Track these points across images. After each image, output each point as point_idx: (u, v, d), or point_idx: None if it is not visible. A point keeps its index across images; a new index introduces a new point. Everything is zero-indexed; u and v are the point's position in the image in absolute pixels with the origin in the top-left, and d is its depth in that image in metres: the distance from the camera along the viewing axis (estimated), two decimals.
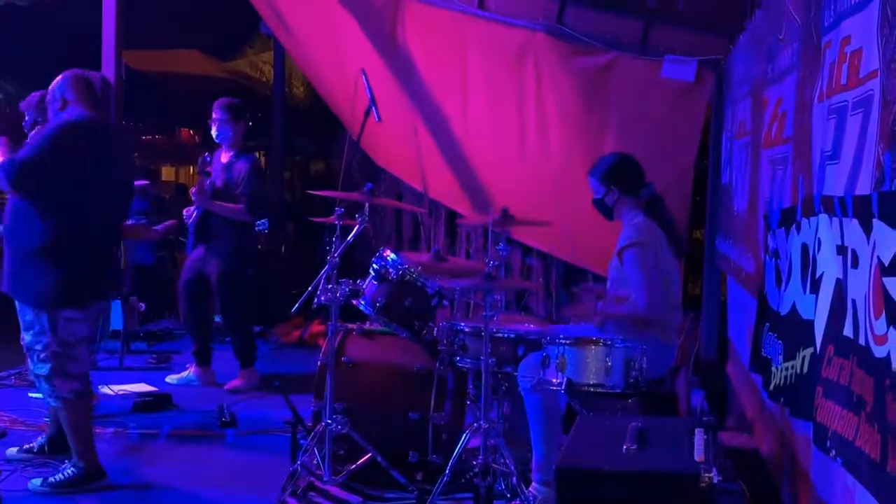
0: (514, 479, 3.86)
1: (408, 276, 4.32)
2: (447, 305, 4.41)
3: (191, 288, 6.22)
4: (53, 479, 4.17)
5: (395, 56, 6.60)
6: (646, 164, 4.30)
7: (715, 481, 2.63)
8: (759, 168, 4.26)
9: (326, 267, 4.26)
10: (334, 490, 4.14)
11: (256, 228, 7.80)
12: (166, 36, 13.38)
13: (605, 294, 4.25)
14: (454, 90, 6.56)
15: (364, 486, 4.18)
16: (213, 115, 6.19)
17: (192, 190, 6.09)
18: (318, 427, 4.19)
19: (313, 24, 6.92)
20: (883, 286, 2.02)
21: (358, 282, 4.38)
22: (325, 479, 4.12)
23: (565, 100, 6.23)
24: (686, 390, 4.72)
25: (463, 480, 4.05)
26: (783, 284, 3.39)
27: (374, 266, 4.39)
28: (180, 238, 7.45)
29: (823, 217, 2.71)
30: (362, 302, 4.37)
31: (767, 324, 3.64)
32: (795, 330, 3.08)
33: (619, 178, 4.19)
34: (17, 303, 4.21)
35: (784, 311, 3.32)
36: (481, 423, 3.87)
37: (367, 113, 5.66)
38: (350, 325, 4.61)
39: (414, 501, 4.06)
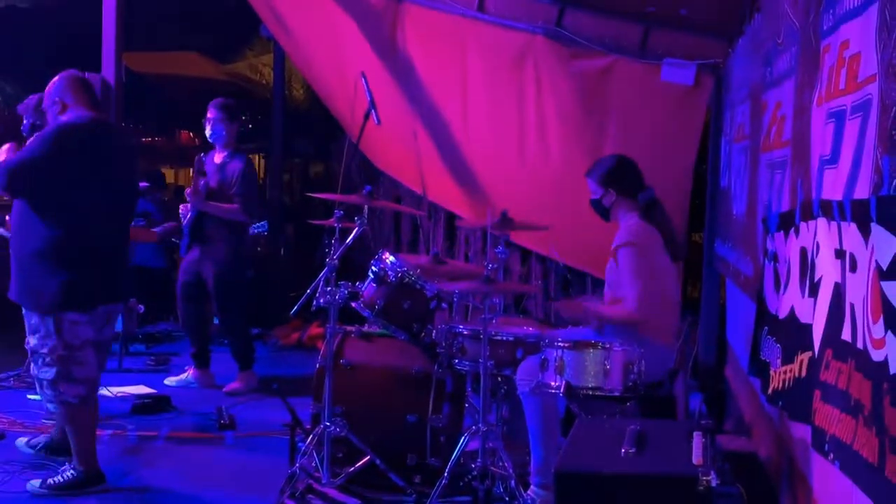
0: (513, 482, 3.86)
1: (406, 279, 4.32)
2: (446, 308, 4.41)
3: (188, 290, 6.22)
4: (52, 482, 4.17)
5: (394, 59, 6.60)
6: (645, 168, 4.31)
7: (713, 484, 2.63)
8: (757, 172, 4.26)
9: (325, 269, 4.27)
10: (333, 492, 4.14)
11: (255, 230, 7.82)
12: (166, 38, 13.39)
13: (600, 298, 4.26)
14: (454, 93, 6.56)
15: (362, 488, 4.18)
16: (208, 115, 6.19)
17: (187, 191, 6.09)
18: (316, 429, 4.19)
19: (313, 26, 6.92)
20: (881, 290, 2.03)
21: (357, 284, 4.38)
22: (323, 481, 4.12)
23: (565, 103, 6.24)
24: (684, 393, 4.72)
25: (461, 483, 4.05)
26: (782, 288, 3.40)
27: (373, 268, 4.39)
28: (173, 240, 7.44)
29: (822, 221, 2.72)
30: (361, 304, 4.37)
31: (766, 327, 3.64)
32: (794, 333, 3.08)
33: (617, 179, 4.20)
34: (23, 306, 4.21)
35: (782, 314, 3.32)
36: (480, 425, 3.88)
37: (367, 116, 5.67)
38: (349, 328, 4.61)
39: None
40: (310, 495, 4.11)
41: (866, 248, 2.20)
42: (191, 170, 6.23)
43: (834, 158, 2.61)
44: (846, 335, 2.38)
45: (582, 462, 2.87)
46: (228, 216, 6.06)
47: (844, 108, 2.51)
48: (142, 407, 5.56)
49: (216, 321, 6.65)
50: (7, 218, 5.89)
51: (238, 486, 4.38)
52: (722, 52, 5.88)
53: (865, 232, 2.21)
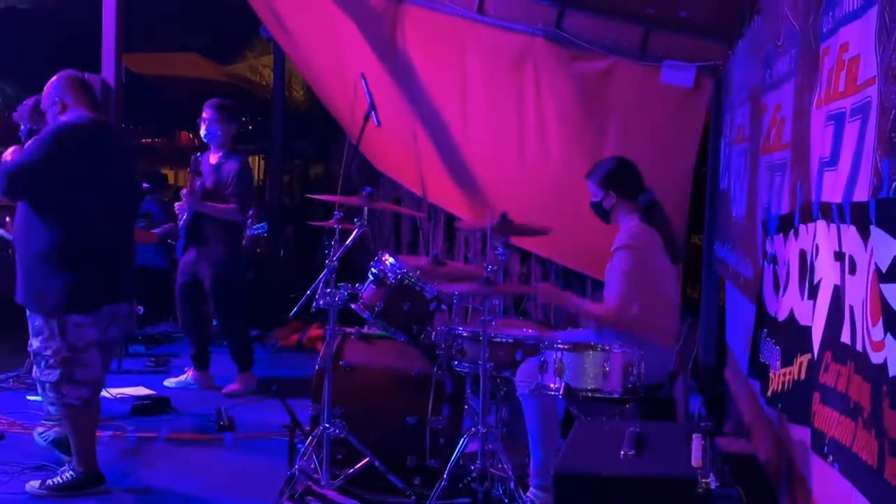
0: (512, 483, 3.86)
1: (406, 281, 4.32)
2: (445, 310, 4.41)
3: (186, 291, 6.22)
4: (51, 483, 4.17)
5: (394, 60, 6.61)
6: (645, 169, 4.31)
7: (712, 487, 2.64)
8: (757, 174, 4.26)
9: (325, 271, 4.26)
10: (332, 494, 4.13)
11: (255, 231, 7.81)
12: (166, 39, 13.39)
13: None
14: (453, 95, 6.57)
15: (362, 490, 4.17)
16: (203, 115, 6.18)
17: (183, 192, 6.07)
18: (315, 431, 4.19)
19: (313, 28, 6.93)
20: (880, 292, 2.03)
21: (356, 286, 4.38)
22: (322, 483, 4.12)
23: (564, 105, 6.24)
24: (684, 395, 4.72)
25: (461, 485, 4.05)
26: (781, 290, 3.40)
27: (373, 270, 4.39)
28: (169, 241, 7.45)
29: (821, 223, 2.72)
30: (360, 306, 4.37)
31: (765, 329, 3.65)
32: (793, 336, 3.09)
33: (618, 182, 4.20)
34: (27, 309, 4.21)
35: (782, 316, 3.33)
36: (479, 427, 3.88)
37: (367, 117, 5.67)
38: (348, 329, 4.61)
39: None
40: (309, 497, 4.10)
41: (865, 250, 2.21)
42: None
43: (833, 161, 2.61)
44: (845, 337, 2.38)
45: (581, 464, 2.87)
46: (225, 216, 6.05)
47: (844, 110, 2.51)
48: (141, 408, 5.56)
49: (215, 322, 6.65)
50: (7, 219, 5.91)
51: (237, 487, 4.38)
52: (722, 54, 5.88)
53: (865, 234, 2.21)
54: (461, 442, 4.00)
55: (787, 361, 3.15)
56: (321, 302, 4.23)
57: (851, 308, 2.34)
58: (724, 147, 5.91)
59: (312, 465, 4.19)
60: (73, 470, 4.19)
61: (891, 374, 1.96)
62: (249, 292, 8.02)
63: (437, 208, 7.34)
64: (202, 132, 6.21)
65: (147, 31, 11.91)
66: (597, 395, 3.78)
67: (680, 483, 2.68)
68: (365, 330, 4.63)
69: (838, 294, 2.49)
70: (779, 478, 3.60)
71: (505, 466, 3.89)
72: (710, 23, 5.75)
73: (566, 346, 3.78)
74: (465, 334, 4.15)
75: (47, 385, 4.14)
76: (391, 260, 4.40)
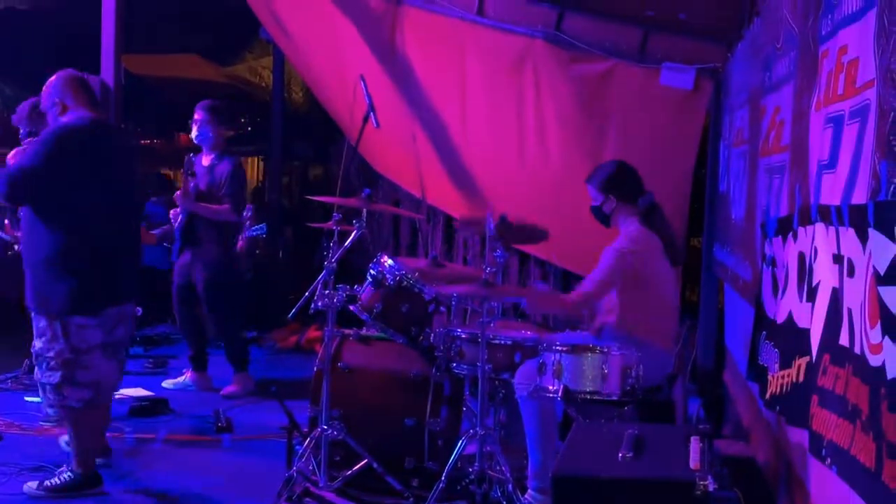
0: (510, 485, 3.86)
1: (405, 282, 4.32)
2: (444, 312, 4.41)
3: (183, 293, 6.21)
4: (49, 484, 4.17)
5: (393, 62, 6.61)
6: (644, 172, 4.31)
7: (710, 489, 2.63)
8: (756, 176, 4.26)
9: (323, 272, 4.26)
10: (330, 496, 4.13)
11: (254, 233, 7.81)
12: (165, 40, 13.38)
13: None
14: (453, 97, 6.57)
15: (360, 492, 4.17)
16: (195, 116, 6.17)
17: (177, 193, 6.05)
18: (314, 433, 4.18)
19: (313, 29, 6.93)
20: (878, 295, 2.03)
21: (355, 287, 4.38)
22: (320, 484, 4.12)
23: (564, 107, 6.24)
24: (683, 398, 4.72)
25: (459, 487, 4.05)
26: (780, 293, 3.40)
27: (371, 272, 4.39)
28: (164, 244, 7.44)
29: (820, 226, 2.72)
30: (359, 307, 4.36)
31: (764, 332, 3.64)
32: (792, 338, 3.08)
33: (617, 186, 4.21)
34: (31, 310, 4.21)
35: (780, 319, 3.32)
36: (478, 429, 3.87)
37: (366, 119, 5.67)
38: (347, 331, 4.61)
39: None
40: (307, 499, 4.10)
41: (864, 253, 2.20)
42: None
43: (832, 163, 2.61)
44: (844, 340, 2.38)
45: (579, 466, 2.87)
46: (219, 217, 6.04)
47: (842, 113, 2.51)
48: (139, 409, 5.56)
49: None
50: (6, 221, 5.90)
51: (235, 489, 4.38)
52: (721, 56, 5.89)
53: (863, 237, 2.21)
54: (459, 444, 3.99)
55: (785, 364, 3.15)
56: (320, 303, 4.23)
57: (850, 311, 2.34)
58: (724, 149, 5.91)
59: (311, 467, 4.19)
60: (71, 471, 4.19)
61: (889, 376, 1.96)
62: (248, 293, 8.01)
63: (437, 210, 7.34)
64: (194, 134, 6.20)
65: (146, 31, 11.90)
66: (595, 397, 3.78)
67: (678, 485, 2.68)
68: (363, 331, 4.62)
69: (837, 297, 2.49)
70: (777, 480, 3.60)
71: (503, 468, 3.89)
72: (710, 25, 5.76)
73: (565, 349, 3.78)
74: (463, 336, 4.15)
75: (48, 387, 4.14)
76: (390, 261, 4.39)
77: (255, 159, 16.77)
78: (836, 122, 2.57)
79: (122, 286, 4.27)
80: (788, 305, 3.21)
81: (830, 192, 2.61)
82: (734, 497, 3.73)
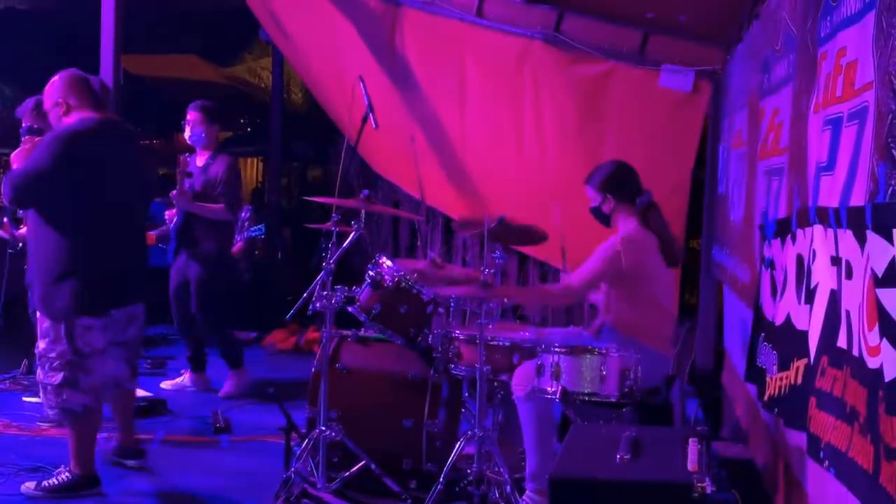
0: (509, 487, 3.85)
1: (403, 283, 4.32)
2: (443, 313, 4.41)
3: (180, 294, 6.19)
4: (47, 484, 4.16)
5: (393, 63, 6.61)
6: (643, 173, 4.31)
7: (708, 491, 2.63)
8: (755, 178, 4.26)
9: (322, 273, 4.26)
10: (328, 497, 4.12)
11: (252, 234, 7.80)
12: (165, 41, 13.39)
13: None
14: (452, 98, 6.57)
15: (358, 493, 4.16)
16: (188, 116, 6.16)
17: (173, 193, 6.04)
18: (311, 434, 4.18)
19: (312, 30, 6.93)
20: (876, 297, 2.02)
21: (353, 288, 4.37)
22: (318, 486, 4.11)
23: (563, 108, 6.25)
24: (681, 400, 4.72)
25: (457, 489, 4.05)
26: (778, 295, 3.39)
27: (370, 273, 4.39)
28: (160, 245, 7.43)
29: (818, 228, 2.72)
30: (357, 308, 4.36)
31: (762, 334, 3.64)
32: (790, 340, 3.08)
33: (616, 186, 4.21)
34: (37, 311, 4.21)
35: (779, 321, 3.32)
36: (476, 431, 3.87)
37: (365, 119, 5.67)
38: (345, 332, 4.61)
39: None
40: (305, 500, 4.09)
41: (862, 255, 2.20)
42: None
43: (830, 165, 2.61)
44: (842, 342, 2.38)
45: (577, 468, 2.87)
46: (215, 216, 6.03)
47: (841, 115, 2.51)
48: (138, 410, 5.52)
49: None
50: (5, 220, 5.90)
51: (233, 490, 4.37)
52: (720, 58, 5.89)
53: (861, 239, 2.21)
54: (457, 445, 3.99)
55: (783, 366, 3.15)
56: (318, 304, 4.22)
57: (848, 313, 2.34)
58: (723, 151, 5.91)
59: (308, 468, 4.19)
60: (69, 471, 4.18)
61: (887, 378, 1.96)
62: (246, 294, 8.01)
63: (436, 211, 7.34)
64: (187, 134, 6.19)
65: (146, 32, 11.91)
66: (593, 398, 3.78)
67: (676, 487, 2.68)
68: (362, 333, 4.62)
69: (835, 299, 2.49)
70: (775, 482, 3.60)
71: (501, 470, 3.89)
72: (709, 27, 5.75)
73: (563, 350, 3.78)
74: (462, 337, 4.14)
75: (49, 387, 4.13)
76: (388, 262, 4.39)
77: (255, 160, 16.77)
78: (835, 125, 2.57)
79: (128, 288, 4.26)
80: (787, 307, 3.21)
81: (829, 194, 2.61)
82: (732, 499, 3.73)
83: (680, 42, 5.99)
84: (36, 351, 4.19)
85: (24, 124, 4.93)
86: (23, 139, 4.44)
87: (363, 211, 4.38)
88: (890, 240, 1.97)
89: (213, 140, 6.22)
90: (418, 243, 7.83)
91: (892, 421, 1.92)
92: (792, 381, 2.99)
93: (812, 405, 2.65)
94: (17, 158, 4.21)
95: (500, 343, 4.11)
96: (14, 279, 6.10)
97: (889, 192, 2.02)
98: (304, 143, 14.07)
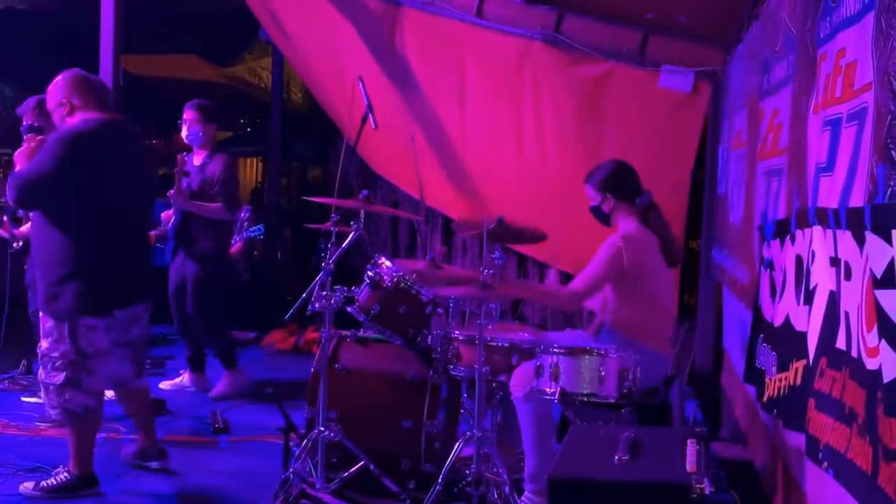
0: (507, 488, 3.85)
1: (402, 284, 4.32)
2: (442, 313, 4.40)
3: (179, 294, 6.19)
4: (45, 484, 4.16)
5: (392, 63, 6.61)
6: (643, 174, 4.31)
7: (707, 492, 2.63)
8: (754, 179, 4.26)
9: (321, 273, 4.25)
10: (326, 498, 4.12)
11: (251, 234, 7.80)
12: (165, 40, 13.40)
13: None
14: (452, 98, 6.57)
15: (356, 493, 4.16)
16: (184, 116, 6.16)
17: (170, 192, 6.03)
18: (310, 434, 4.18)
19: (312, 30, 6.93)
20: (875, 298, 2.02)
21: (352, 289, 4.37)
22: (317, 486, 4.11)
23: (563, 108, 6.24)
24: (680, 401, 4.72)
25: (456, 489, 4.04)
26: (777, 296, 3.39)
27: (369, 273, 4.39)
28: (158, 245, 7.42)
29: (817, 229, 2.72)
30: (356, 309, 4.36)
31: (761, 335, 3.64)
32: (789, 341, 3.08)
33: (616, 185, 4.21)
34: (40, 310, 4.20)
35: (778, 322, 3.32)
36: (475, 431, 3.87)
37: (364, 119, 5.66)
38: (344, 332, 4.60)
39: None
40: (303, 500, 4.09)
41: (861, 256, 2.20)
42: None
43: (829, 166, 2.61)
44: (841, 343, 2.38)
45: (576, 468, 2.86)
46: (213, 215, 6.02)
47: (840, 116, 2.51)
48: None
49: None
50: (5, 219, 5.90)
51: (232, 490, 4.37)
52: (720, 59, 5.88)
53: (860, 240, 2.21)
54: (456, 446, 3.99)
55: (782, 367, 3.14)
56: (317, 305, 4.22)
57: (847, 314, 2.34)
58: (722, 152, 5.91)
59: (307, 469, 4.18)
60: (67, 472, 4.18)
61: (885, 380, 1.96)
62: (246, 295, 8.00)
63: (435, 212, 7.34)
64: (183, 133, 6.18)
65: (146, 32, 11.92)
66: (592, 399, 3.77)
67: (674, 488, 2.67)
68: (361, 333, 4.62)
69: (834, 300, 2.49)
70: (774, 483, 3.60)
71: (500, 471, 3.89)
72: (709, 28, 5.75)
73: (562, 351, 3.78)
74: (461, 338, 4.14)
75: (51, 387, 4.12)
76: (387, 263, 4.39)
77: (254, 160, 16.79)
78: (834, 125, 2.57)
79: (132, 288, 4.26)
80: (786, 308, 3.20)
81: (828, 195, 2.61)
82: (731, 500, 3.73)
83: (680, 43, 5.99)
84: (38, 351, 4.18)
85: (24, 123, 4.93)
86: (25, 137, 4.44)
87: (362, 211, 4.37)
88: (889, 241, 1.96)
89: (210, 139, 6.22)
90: (418, 243, 7.83)
91: (890, 422, 1.91)
92: (791, 382, 2.98)
93: (811, 406, 2.65)
94: (20, 157, 4.20)
95: (499, 344, 4.10)
96: (14, 279, 6.10)
97: (888, 193, 2.02)
98: (304, 143, 14.09)
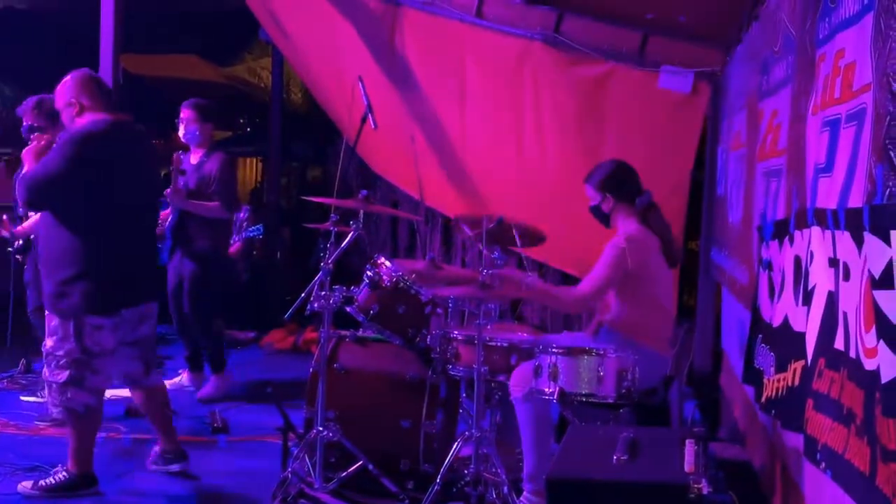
0: (506, 488, 3.85)
1: (401, 284, 4.32)
2: (441, 313, 4.41)
3: (177, 293, 6.18)
4: (44, 484, 4.16)
5: (392, 63, 6.61)
6: (642, 174, 4.31)
7: (704, 492, 2.63)
8: (753, 180, 4.27)
9: (320, 273, 4.26)
10: (325, 497, 4.12)
11: (251, 234, 7.80)
12: (165, 40, 13.39)
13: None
14: (452, 98, 6.56)
15: (355, 493, 4.16)
16: (181, 115, 6.15)
17: (167, 191, 6.02)
18: (309, 434, 4.18)
19: (311, 30, 6.93)
20: (873, 299, 2.02)
21: (352, 289, 4.37)
22: (315, 486, 4.11)
23: (563, 109, 6.24)
24: (679, 401, 4.72)
25: (454, 489, 4.04)
26: (776, 296, 3.39)
27: (368, 273, 4.39)
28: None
29: (816, 229, 2.72)
30: (355, 309, 4.36)
31: (760, 335, 3.64)
32: (787, 342, 3.08)
33: (615, 185, 4.21)
34: (45, 308, 4.20)
35: (776, 322, 3.32)
36: (473, 431, 3.87)
37: (364, 120, 5.66)
38: (343, 332, 4.61)
39: None
40: (302, 500, 4.09)
41: (859, 256, 2.20)
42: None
43: (828, 167, 2.61)
44: (839, 344, 2.38)
45: (574, 469, 2.87)
46: (210, 214, 6.01)
47: (839, 116, 2.51)
48: (136, 410, 5.53)
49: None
50: (4, 218, 5.90)
51: (230, 489, 4.37)
52: (720, 60, 5.89)
53: (859, 241, 2.21)
54: (455, 446, 3.99)
55: (781, 367, 3.15)
56: (316, 305, 4.22)
57: (845, 314, 2.34)
58: (722, 153, 5.91)
59: (306, 468, 4.18)
60: (66, 471, 4.18)
61: (883, 380, 1.96)
62: (245, 294, 8.00)
63: (435, 212, 7.34)
64: (181, 132, 6.18)
65: (146, 31, 11.91)
66: (591, 399, 3.77)
67: (672, 488, 2.68)
68: (360, 333, 4.62)
69: (832, 300, 2.49)
70: (772, 484, 3.60)
71: (498, 471, 3.89)
72: (709, 28, 5.75)
73: (561, 351, 3.78)
74: (460, 338, 4.14)
75: (54, 385, 4.12)
76: (386, 263, 4.39)
77: (254, 160, 16.78)
78: (833, 126, 2.57)
79: (139, 287, 4.26)
80: (784, 309, 3.21)
81: (827, 196, 2.61)
82: (729, 500, 3.73)
83: (679, 43, 5.99)
84: (43, 349, 4.19)
85: (25, 123, 4.93)
86: (31, 137, 4.43)
87: (362, 211, 4.37)
88: (887, 241, 1.97)
89: (208, 138, 6.22)
90: (417, 244, 7.83)
91: (888, 423, 1.92)
92: (789, 383, 2.98)
93: (809, 407, 2.65)
94: (27, 156, 4.21)
95: (498, 344, 4.10)
96: (17, 278, 6.10)
97: (887, 193, 2.02)
98: (304, 143, 14.08)
